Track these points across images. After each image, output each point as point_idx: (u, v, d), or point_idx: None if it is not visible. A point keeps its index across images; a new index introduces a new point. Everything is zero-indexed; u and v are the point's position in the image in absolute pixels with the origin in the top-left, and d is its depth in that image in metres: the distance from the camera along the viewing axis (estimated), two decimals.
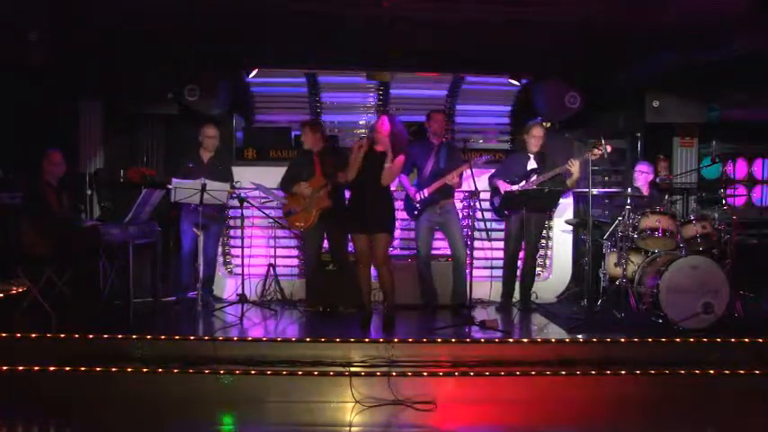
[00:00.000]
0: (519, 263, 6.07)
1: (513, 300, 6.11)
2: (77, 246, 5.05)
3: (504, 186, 5.80)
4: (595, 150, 5.51)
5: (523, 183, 5.79)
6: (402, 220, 6.00)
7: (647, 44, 5.87)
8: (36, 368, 4.38)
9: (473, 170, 5.47)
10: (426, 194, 5.69)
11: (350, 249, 6.03)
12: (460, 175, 5.64)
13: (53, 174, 5.42)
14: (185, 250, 5.95)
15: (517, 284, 6.10)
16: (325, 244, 5.95)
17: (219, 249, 6.37)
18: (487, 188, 6.13)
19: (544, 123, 7.20)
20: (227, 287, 6.44)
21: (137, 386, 4.36)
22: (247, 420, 4.24)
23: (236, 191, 5.94)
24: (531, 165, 5.90)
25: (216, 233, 6.11)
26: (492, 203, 6.04)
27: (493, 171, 6.08)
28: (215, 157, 6.08)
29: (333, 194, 5.72)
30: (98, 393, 4.33)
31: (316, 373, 4.40)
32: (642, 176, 6.19)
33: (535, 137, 5.92)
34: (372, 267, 5.23)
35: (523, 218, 5.68)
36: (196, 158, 5.99)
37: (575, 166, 5.64)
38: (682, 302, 5.04)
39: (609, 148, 5.49)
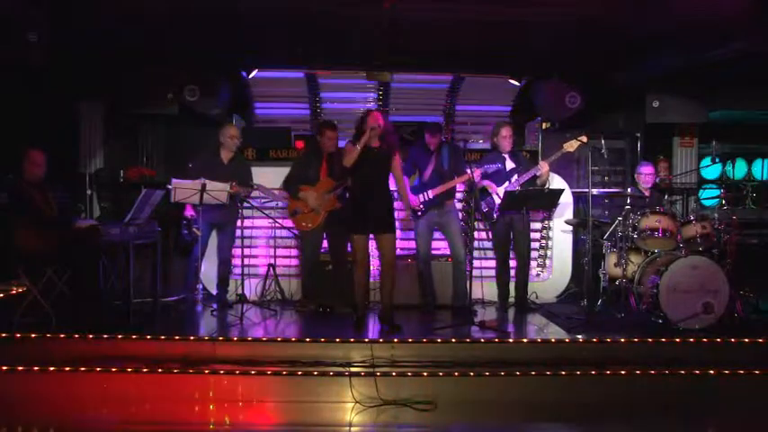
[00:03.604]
0: (512, 263, 6.09)
1: (513, 300, 6.10)
2: (70, 246, 5.03)
3: (495, 189, 5.81)
4: (572, 142, 5.53)
5: (507, 183, 5.81)
6: (401, 220, 5.99)
7: (647, 44, 5.87)
8: (36, 368, 4.38)
9: (475, 173, 5.51)
10: (431, 196, 5.69)
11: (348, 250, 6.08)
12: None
13: (34, 174, 5.25)
14: (198, 251, 5.87)
15: (514, 287, 6.10)
16: (324, 244, 5.95)
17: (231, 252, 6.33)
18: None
19: (544, 123, 7.23)
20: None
21: (136, 386, 4.35)
22: (248, 420, 4.24)
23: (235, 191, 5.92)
24: (510, 165, 5.91)
25: (231, 233, 5.99)
26: (479, 207, 5.99)
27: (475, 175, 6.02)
28: (235, 158, 5.95)
29: (341, 197, 5.71)
30: (98, 393, 4.32)
31: (316, 373, 4.40)
32: (645, 178, 6.19)
33: (505, 137, 5.94)
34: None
35: (510, 220, 5.69)
36: (215, 159, 5.86)
37: (545, 168, 5.71)
38: (681, 302, 5.04)
39: (584, 140, 5.51)
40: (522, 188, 5.75)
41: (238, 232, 5.91)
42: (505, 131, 5.95)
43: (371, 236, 5.19)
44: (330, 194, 5.69)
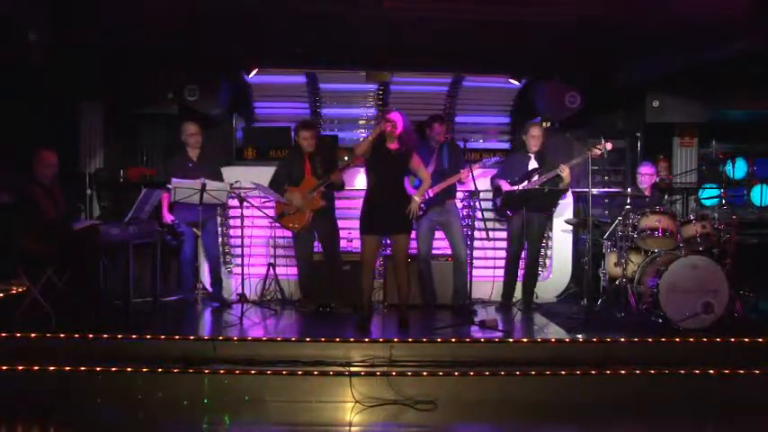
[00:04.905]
0: (521, 262, 6.07)
1: (514, 299, 6.10)
2: (70, 246, 5.02)
3: (506, 187, 5.80)
4: (595, 150, 5.51)
5: (525, 183, 5.79)
6: None
7: (647, 44, 5.87)
8: (36, 368, 4.37)
9: (472, 170, 5.50)
10: (431, 195, 5.69)
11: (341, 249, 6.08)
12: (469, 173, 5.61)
13: (45, 174, 5.27)
14: (187, 252, 5.94)
15: (519, 284, 6.10)
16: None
17: (219, 249, 6.37)
18: (488, 188, 6.13)
19: (544, 123, 7.22)
20: (226, 287, 6.43)
21: (136, 386, 4.35)
22: (247, 420, 4.24)
23: (235, 190, 5.92)
24: (533, 164, 5.90)
25: (213, 231, 6.09)
26: (494, 204, 6.04)
27: (495, 171, 6.08)
28: (202, 156, 6.01)
29: (326, 195, 5.73)
30: (98, 393, 4.32)
31: (316, 372, 4.40)
32: (646, 178, 6.19)
33: (534, 137, 5.92)
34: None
35: (525, 218, 5.68)
36: (184, 157, 5.93)
37: (565, 172, 5.65)
38: (681, 302, 5.04)
39: (609, 147, 5.49)
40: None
41: (238, 231, 5.92)
42: (534, 131, 5.93)
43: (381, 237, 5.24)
44: (314, 193, 5.69)
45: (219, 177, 5.94)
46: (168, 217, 5.83)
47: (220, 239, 6.41)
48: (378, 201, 5.10)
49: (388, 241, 5.74)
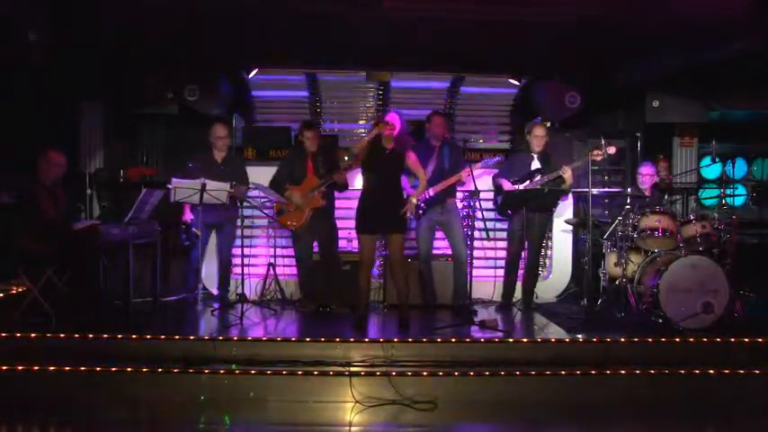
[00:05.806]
0: (521, 263, 6.07)
1: (514, 299, 6.10)
2: (70, 246, 5.02)
3: (507, 186, 5.79)
4: (596, 151, 5.50)
5: (527, 182, 5.78)
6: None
7: (647, 44, 5.87)
8: (36, 368, 4.37)
9: (472, 170, 5.50)
10: (432, 194, 5.68)
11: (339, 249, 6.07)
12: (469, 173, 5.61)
13: (50, 175, 5.25)
14: (196, 252, 5.91)
15: (519, 284, 6.10)
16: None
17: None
18: (488, 188, 6.13)
19: (544, 123, 7.22)
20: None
21: (136, 386, 4.35)
22: (247, 420, 4.24)
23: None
24: (535, 165, 5.89)
25: (231, 233, 6.03)
26: (495, 202, 6.04)
27: (497, 170, 6.07)
28: (228, 158, 6.01)
29: (326, 195, 5.73)
30: (98, 393, 4.32)
31: (316, 372, 4.40)
32: (647, 179, 6.19)
33: (537, 136, 5.92)
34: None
35: (525, 218, 5.68)
36: (209, 159, 5.90)
37: (567, 173, 5.65)
38: (681, 302, 5.04)
39: (612, 150, 5.48)
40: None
41: (238, 232, 5.92)
42: (537, 131, 5.93)
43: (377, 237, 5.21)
44: (314, 192, 5.70)
45: (246, 179, 5.93)
46: (188, 216, 5.82)
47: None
48: (372, 200, 5.09)
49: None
